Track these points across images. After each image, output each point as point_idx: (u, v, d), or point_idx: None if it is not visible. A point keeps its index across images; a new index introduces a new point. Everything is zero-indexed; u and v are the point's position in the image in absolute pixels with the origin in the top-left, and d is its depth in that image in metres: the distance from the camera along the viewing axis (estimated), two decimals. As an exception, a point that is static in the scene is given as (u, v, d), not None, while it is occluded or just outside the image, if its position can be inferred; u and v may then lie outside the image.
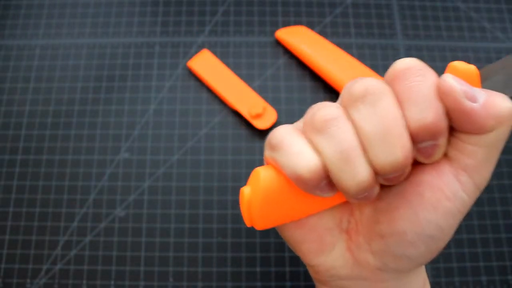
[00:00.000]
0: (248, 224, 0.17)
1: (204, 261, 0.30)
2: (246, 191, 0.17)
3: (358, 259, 0.17)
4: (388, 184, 0.15)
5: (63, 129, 0.33)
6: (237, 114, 0.33)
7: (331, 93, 0.34)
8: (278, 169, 0.16)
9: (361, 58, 0.35)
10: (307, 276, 0.29)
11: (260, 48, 0.35)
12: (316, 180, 0.15)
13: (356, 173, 0.14)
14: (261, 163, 0.32)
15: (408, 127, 0.14)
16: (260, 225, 0.17)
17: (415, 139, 0.14)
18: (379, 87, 0.14)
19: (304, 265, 0.30)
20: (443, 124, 0.14)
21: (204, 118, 0.33)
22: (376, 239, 0.16)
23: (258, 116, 0.32)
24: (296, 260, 0.30)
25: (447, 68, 0.16)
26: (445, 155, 0.15)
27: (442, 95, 0.14)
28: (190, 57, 0.35)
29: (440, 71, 0.35)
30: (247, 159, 0.32)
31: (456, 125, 0.14)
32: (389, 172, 0.14)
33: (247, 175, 0.32)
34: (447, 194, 0.15)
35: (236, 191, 0.31)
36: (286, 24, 0.36)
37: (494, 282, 0.30)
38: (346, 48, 0.35)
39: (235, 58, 0.35)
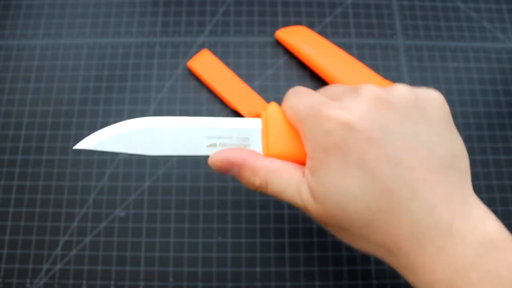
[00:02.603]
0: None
1: (204, 261, 0.30)
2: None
3: None
4: None
5: (63, 129, 0.33)
6: (237, 114, 0.33)
7: (331, 93, 0.34)
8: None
9: (361, 58, 0.35)
10: (307, 276, 0.29)
11: (260, 48, 0.35)
12: None
13: None
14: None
15: None
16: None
17: None
18: None
19: (304, 265, 0.30)
20: None
21: (204, 118, 0.33)
22: None
23: (258, 116, 0.32)
24: (296, 260, 0.30)
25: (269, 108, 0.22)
26: None
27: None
28: (190, 57, 0.35)
29: (440, 71, 0.35)
30: (247, 159, 0.32)
31: None
32: None
33: (247, 175, 0.32)
34: None
35: (236, 191, 0.31)
36: (286, 24, 0.36)
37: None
38: (346, 48, 0.35)
39: (235, 58, 0.35)
